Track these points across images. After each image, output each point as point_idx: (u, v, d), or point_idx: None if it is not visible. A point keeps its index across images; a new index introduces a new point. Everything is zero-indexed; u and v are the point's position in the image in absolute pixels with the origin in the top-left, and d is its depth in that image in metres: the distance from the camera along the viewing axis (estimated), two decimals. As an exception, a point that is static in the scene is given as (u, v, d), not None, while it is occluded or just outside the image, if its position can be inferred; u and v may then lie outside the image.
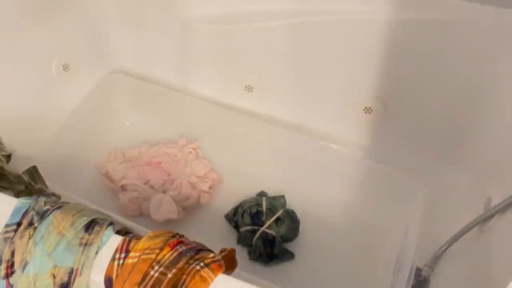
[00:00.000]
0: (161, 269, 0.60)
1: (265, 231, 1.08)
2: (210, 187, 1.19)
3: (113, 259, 0.62)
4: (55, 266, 0.62)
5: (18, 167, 0.92)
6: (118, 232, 0.67)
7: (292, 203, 1.16)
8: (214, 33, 1.21)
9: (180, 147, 1.26)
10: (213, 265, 0.62)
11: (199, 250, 0.64)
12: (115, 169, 1.20)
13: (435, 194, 1.06)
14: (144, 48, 1.35)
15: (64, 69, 1.22)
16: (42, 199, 0.68)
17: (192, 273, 0.60)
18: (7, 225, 0.66)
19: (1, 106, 1.05)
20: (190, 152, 1.25)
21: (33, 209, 0.66)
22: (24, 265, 0.64)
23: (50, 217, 0.65)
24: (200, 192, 1.17)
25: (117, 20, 1.30)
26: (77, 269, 0.62)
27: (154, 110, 1.33)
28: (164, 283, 0.59)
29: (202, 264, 0.61)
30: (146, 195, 1.15)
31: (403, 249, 1.02)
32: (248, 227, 1.10)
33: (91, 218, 0.66)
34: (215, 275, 0.61)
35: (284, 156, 1.21)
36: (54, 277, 0.62)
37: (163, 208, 1.12)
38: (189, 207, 1.16)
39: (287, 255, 1.08)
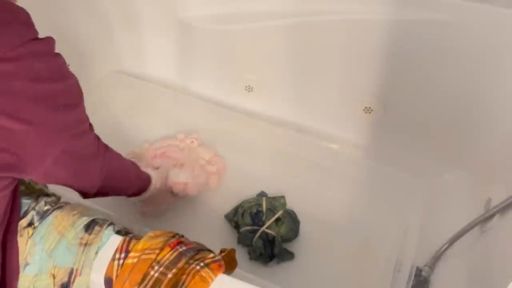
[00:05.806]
0: (161, 269, 0.60)
1: (265, 231, 1.08)
2: (217, 171, 1.20)
3: (113, 259, 0.62)
4: (55, 266, 0.62)
5: (18, 167, 0.91)
6: (118, 232, 0.67)
7: (292, 203, 1.16)
8: (214, 33, 1.21)
9: (180, 141, 1.27)
10: (213, 265, 0.62)
11: (199, 250, 0.64)
12: (115, 169, 1.20)
13: (436, 194, 1.06)
14: (144, 48, 1.35)
15: (64, 69, 1.22)
16: (42, 199, 0.68)
17: (192, 273, 0.60)
18: (7, 225, 0.66)
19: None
20: (192, 142, 1.26)
21: (33, 209, 0.66)
22: (24, 265, 0.64)
23: (50, 217, 0.65)
24: (210, 174, 1.19)
25: (117, 20, 1.30)
26: (77, 269, 0.62)
27: (154, 110, 1.33)
28: (164, 283, 0.59)
29: (202, 264, 0.61)
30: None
31: (403, 249, 1.02)
32: (248, 227, 1.09)
33: (91, 218, 0.66)
34: (215, 275, 0.61)
35: (284, 156, 1.21)
36: (54, 277, 0.62)
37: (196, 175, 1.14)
38: (201, 188, 1.17)
39: (287, 255, 1.08)
